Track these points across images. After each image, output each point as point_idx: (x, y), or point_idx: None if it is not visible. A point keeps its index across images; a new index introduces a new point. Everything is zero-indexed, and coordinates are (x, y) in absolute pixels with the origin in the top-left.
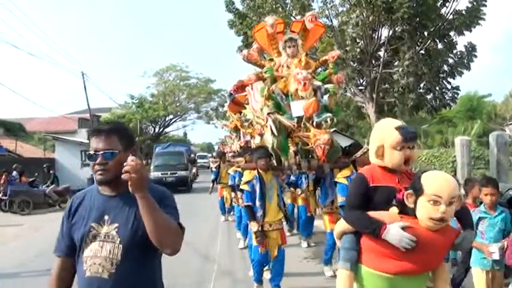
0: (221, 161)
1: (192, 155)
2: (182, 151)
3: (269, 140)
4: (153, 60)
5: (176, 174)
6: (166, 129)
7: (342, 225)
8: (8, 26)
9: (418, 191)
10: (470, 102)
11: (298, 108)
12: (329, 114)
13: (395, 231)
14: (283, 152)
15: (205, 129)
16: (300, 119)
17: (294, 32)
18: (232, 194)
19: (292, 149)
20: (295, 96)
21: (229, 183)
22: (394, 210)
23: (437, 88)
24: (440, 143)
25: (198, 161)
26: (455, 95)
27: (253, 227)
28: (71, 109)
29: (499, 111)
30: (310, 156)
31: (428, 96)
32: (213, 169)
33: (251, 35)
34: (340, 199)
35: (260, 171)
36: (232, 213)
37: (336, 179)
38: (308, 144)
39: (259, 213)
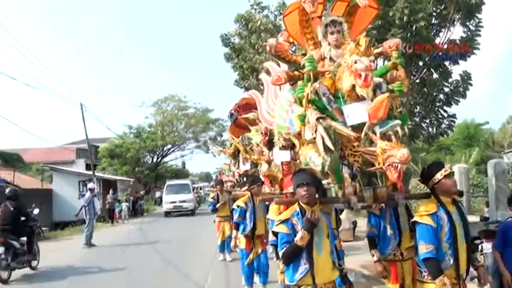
0: (218, 190)
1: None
2: None
3: (316, 161)
4: (152, 90)
5: None
6: (165, 159)
7: None
8: (3, 55)
9: None
10: (468, 130)
11: (358, 111)
12: (397, 121)
13: None
14: (336, 176)
15: (204, 158)
16: (355, 128)
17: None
18: (234, 233)
19: (345, 172)
20: (349, 97)
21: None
22: None
23: (433, 116)
24: None
25: (170, 199)
26: (452, 123)
27: None
28: (69, 139)
29: (497, 138)
30: (372, 181)
31: (424, 124)
32: (210, 199)
33: (247, 67)
34: (424, 248)
35: (303, 205)
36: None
37: (417, 218)
38: (373, 164)
39: (303, 269)
